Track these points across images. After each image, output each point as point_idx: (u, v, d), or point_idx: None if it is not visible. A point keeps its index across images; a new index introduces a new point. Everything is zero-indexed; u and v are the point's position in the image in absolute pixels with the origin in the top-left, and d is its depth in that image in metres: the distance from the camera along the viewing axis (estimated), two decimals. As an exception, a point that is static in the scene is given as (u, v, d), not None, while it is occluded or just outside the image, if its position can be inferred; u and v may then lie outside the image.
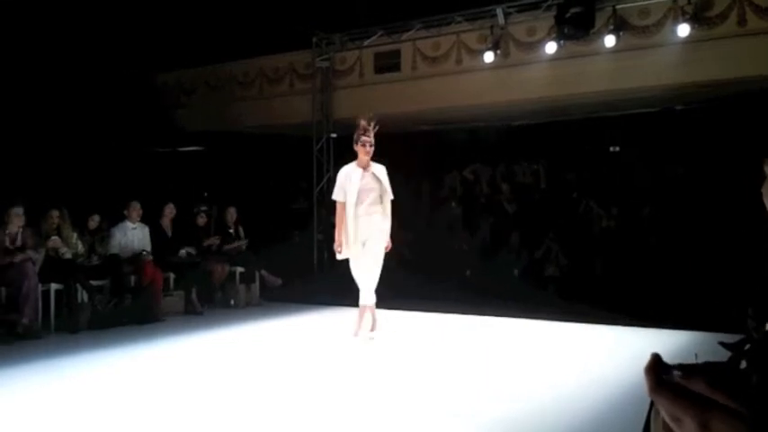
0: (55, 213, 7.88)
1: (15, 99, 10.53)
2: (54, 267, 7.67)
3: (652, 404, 1.27)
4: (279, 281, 9.93)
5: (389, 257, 6.83)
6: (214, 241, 9.57)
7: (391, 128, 12.70)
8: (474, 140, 11.96)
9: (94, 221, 8.44)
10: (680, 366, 0.86)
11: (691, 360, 1.11)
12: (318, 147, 12.06)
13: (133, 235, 8.62)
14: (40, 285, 7.41)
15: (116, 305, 8.03)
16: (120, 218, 8.64)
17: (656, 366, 0.89)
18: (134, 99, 12.52)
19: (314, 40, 11.85)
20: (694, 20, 8.86)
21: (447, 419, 4.32)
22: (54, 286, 7.64)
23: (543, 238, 9.76)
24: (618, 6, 9.31)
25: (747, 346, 1.09)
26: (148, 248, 8.68)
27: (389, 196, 6.70)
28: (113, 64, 11.77)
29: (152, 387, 5.12)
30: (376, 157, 6.77)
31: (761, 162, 1.39)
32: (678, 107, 11.02)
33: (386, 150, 13.09)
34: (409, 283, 9.19)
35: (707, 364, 1.06)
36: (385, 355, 6.28)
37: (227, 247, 9.68)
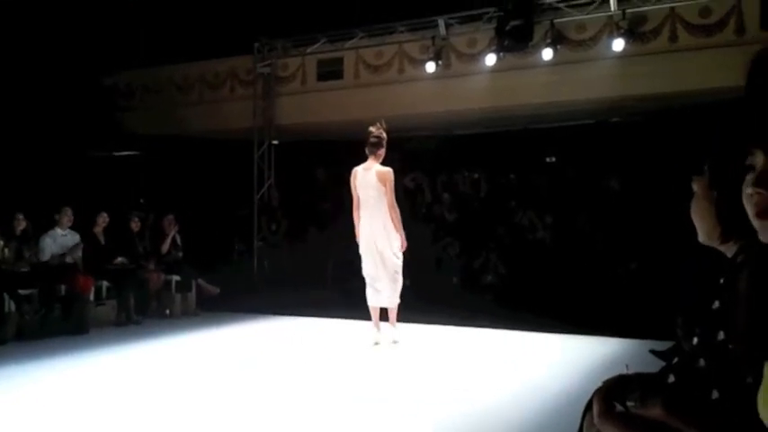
0: (-21, 219, 7.55)
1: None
2: (-21, 275, 7.35)
3: (584, 414, 1.28)
4: (216, 290, 9.73)
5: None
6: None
7: (334, 135, 12.73)
8: (416, 149, 12.01)
9: (20, 223, 7.99)
10: (636, 386, 0.86)
11: (622, 370, 1.12)
12: (260, 153, 11.93)
13: (63, 242, 8.33)
14: (-36, 294, 7.09)
15: (45, 315, 7.74)
16: (51, 224, 8.32)
17: (608, 393, 0.88)
18: (71, 101, 12.12)
19: (256, 45, 11.73)
20: (629, 35, 9.12)
21: (392, 419, 4.33)
22: (-22, 295, 7.31)
23: (482, 247, 9.86)
24: (556, 20, 9.52)
25: (675, 360, 1.11)
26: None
27: None
28: (52, 63, 11.38)
29: (80, 402, 4.93)
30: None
31: (690, 179, 1.42)
32: (613, 120, 11.31)
33: (329, 158, 13.00)
34: (348, 291, 9.13)
35: (638, 376, 1.07)
36: (327, 364, 6.23)
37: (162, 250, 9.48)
